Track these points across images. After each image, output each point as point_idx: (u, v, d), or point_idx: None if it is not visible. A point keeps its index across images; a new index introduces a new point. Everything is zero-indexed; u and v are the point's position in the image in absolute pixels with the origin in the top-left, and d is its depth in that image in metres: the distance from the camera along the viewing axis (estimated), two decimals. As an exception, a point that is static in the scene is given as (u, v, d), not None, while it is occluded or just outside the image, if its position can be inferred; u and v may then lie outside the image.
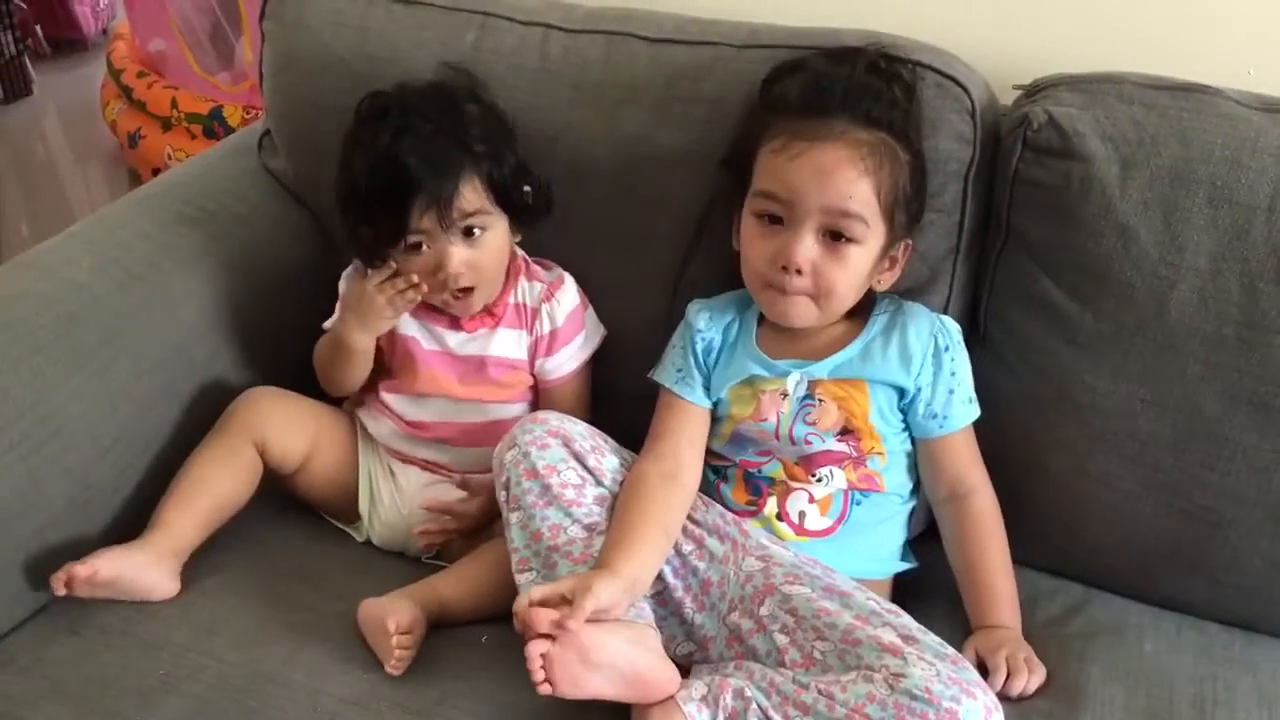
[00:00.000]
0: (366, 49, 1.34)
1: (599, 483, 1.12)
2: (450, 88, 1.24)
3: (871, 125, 1.09)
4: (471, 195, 1.18)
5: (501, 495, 1.12)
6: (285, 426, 1.25)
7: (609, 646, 0.97)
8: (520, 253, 1.30)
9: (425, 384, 1.27)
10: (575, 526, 1.08)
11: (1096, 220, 1.12)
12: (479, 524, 1.22)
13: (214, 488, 1.19)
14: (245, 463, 1.22)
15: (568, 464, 1.11)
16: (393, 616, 1.06)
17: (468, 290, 1.22)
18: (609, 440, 1.17)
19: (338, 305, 1.30)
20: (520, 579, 1.08)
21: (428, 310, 1.27)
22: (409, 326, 1.27)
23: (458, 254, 1.19)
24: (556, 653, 0.95)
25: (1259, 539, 1.13)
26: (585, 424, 1.16)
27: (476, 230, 1.20)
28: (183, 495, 1.18)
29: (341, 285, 1.31)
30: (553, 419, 1.14)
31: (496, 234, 1.22)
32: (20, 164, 3.33)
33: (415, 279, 1.20)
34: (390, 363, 1.30)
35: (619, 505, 1.10)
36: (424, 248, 1.20)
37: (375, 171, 1.18)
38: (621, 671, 0.97)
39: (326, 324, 1.31)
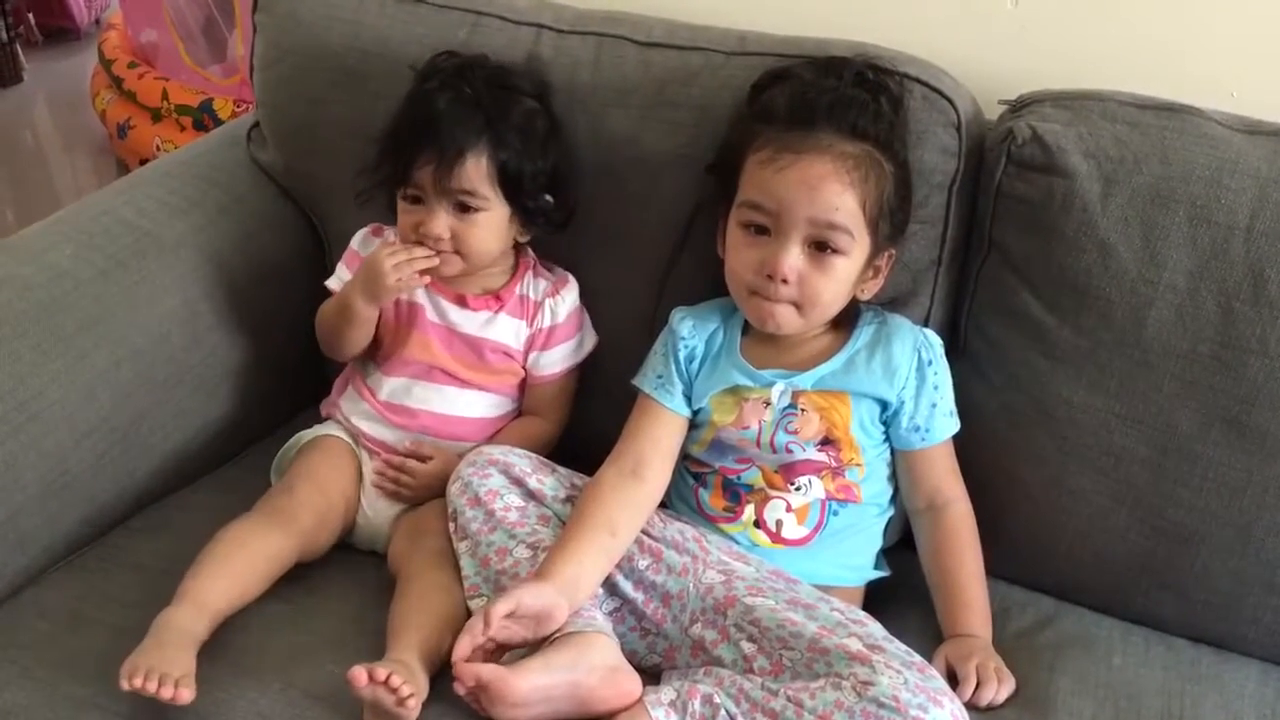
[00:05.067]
0: (358, 44, 1.35)
1: (540, 503, 1.15)
2: (517, 75, 1.26)
3: (857, 137, 1.09)
4: (474, 172, 1.19)
5: (451, 527, 1.15)
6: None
7: (537, 682, 0.97)
8: (530, 252, 1.31)
9: (421, 352, 1.27)
10: (520, 547, 1.10)
11: (1077, 236, 1.13)
12: (429, 491, 1.24)
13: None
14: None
15: (509, 489, 1.15)
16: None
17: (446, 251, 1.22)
18: (550, 463, 1.20)
19: (339, 264, 1.32)
20: (472, 605, 1.10)
21: (436, 284, 1.27)
22: (419, 295, 1.28)
23: (443, 220, 1.21)
24: (486, 704, 0.98)
25: (1229, 556, 1.13)
26: (529, 453, 1.19)
27: (470, 207, 1.21)
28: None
29: (353, 243, 1.32)
30: (495, 451, 1.17)
31: (491, 219, 1.22)
32: (8, 152, 3.32)
33: (423, 251, 1.21)
34: (392, 329, 1.30)
35: (571, 512, 1.12)
36: (420, 203, 1.22)
37: (405, 110, 1.23)
38: (562, 698, 0.98)
39: (329, 283, 1.32)
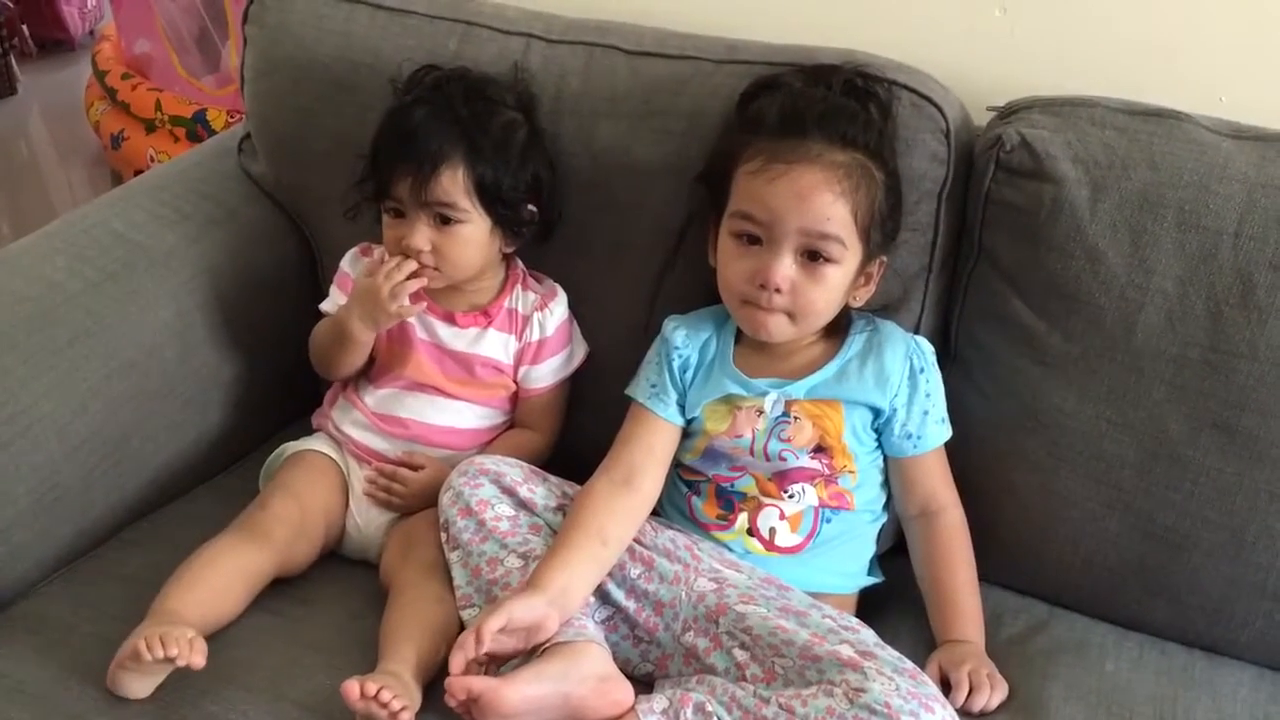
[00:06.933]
0: (348, 55, 1.35)
1: (532, 512, 1.15)
2: (499, 87, 1.26)
3: (848, 146, 1.09)
4: (450, 185, 1.19)
5: (442, 538, 1.15)
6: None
7: (528, 693, 0.97)
8: (520, 264, 1.31)
9: (413, 370, 1.27)
10: (511, 557, 1.10)
11: (1066, 242, 1.13)
12: (421, 501, 1.23)
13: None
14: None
15: (500, 499, 1.14)
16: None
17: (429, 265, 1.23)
18: (541, 473, 1.20)
19: (332, 287, 1.32)
20: (464, 615, 1.10)
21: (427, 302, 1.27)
22: None
23: (424, 232, 1.21)
24: (478, 715, 0.97)
25: (1221, 561, 1.13)
26: (520, 462, 1.19)
27: (450, 219, 1.21)
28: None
29: (343, 264, 1.32)
30: (487, 461, 1.17)
31: (472, 231, 1.22)
32: (3, 163, 3.32)
33: (412, 264, 1.21)
34: (384, 346, 1.29)
35: (563, 521, 1.12)
36: (402, 216, 1.22)
37: (384, 125, 1.24)
38: (554, 708, 0.98)
39: (323, 305, 1.32)
